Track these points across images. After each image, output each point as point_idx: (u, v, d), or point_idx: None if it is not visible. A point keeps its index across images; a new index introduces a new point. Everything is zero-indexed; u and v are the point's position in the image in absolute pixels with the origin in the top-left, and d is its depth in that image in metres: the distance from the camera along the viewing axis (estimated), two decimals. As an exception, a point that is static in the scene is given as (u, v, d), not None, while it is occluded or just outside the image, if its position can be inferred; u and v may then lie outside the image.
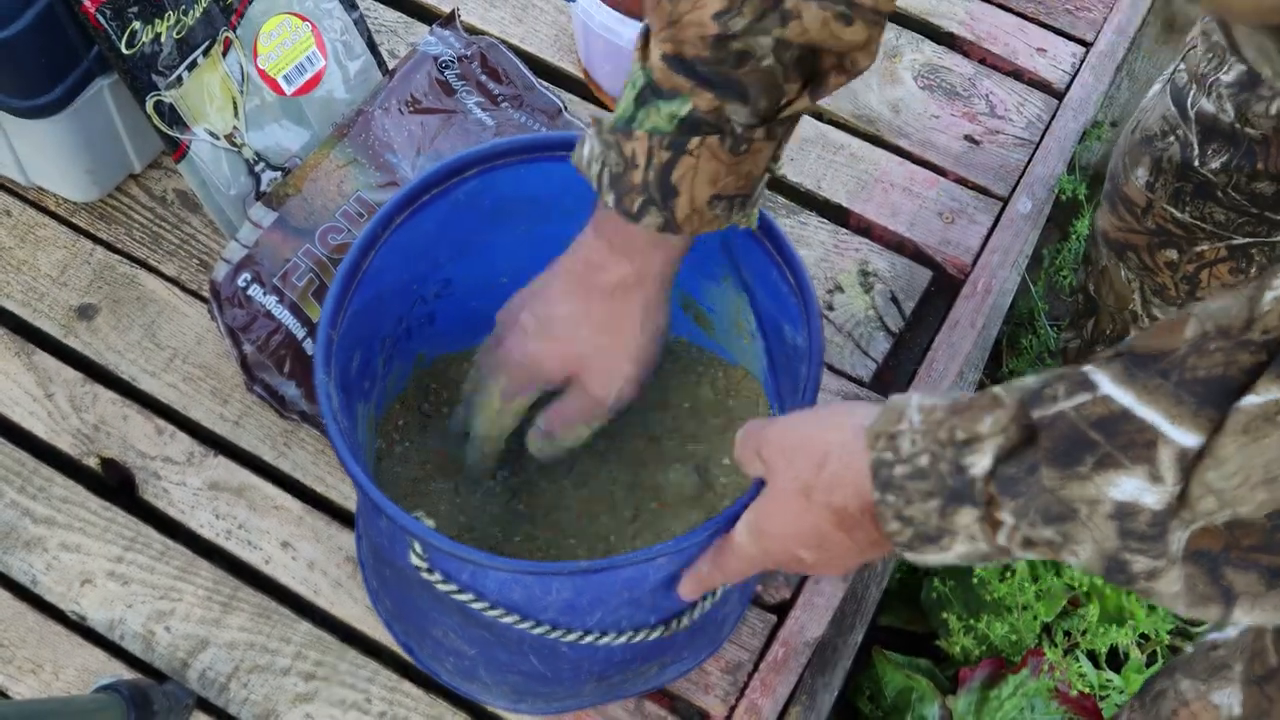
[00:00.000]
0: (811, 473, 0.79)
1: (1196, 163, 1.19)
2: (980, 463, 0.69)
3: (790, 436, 0.84)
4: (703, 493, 1.14)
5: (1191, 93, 1.19)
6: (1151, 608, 1.44)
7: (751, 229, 1.04)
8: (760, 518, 0.86)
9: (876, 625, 1.51)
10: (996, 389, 0.70)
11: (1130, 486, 0.63)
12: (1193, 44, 1.19)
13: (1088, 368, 0.66)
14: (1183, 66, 1.21)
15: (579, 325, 0.99)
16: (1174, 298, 1.28)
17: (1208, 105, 1.17)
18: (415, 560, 0.95)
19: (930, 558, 0.73)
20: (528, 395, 1.05)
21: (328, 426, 0.94)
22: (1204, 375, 0.61)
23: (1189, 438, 0.61)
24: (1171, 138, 1.20)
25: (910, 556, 0.74)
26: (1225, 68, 1.16)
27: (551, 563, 1.00)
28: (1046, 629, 1.47)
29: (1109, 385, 0.64)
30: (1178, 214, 1.21)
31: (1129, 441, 0.63)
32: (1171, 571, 0.64)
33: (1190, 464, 0.61)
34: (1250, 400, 0.59)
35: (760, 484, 0.88)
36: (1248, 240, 1.20)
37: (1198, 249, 1.22)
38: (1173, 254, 1.24)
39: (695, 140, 0.85)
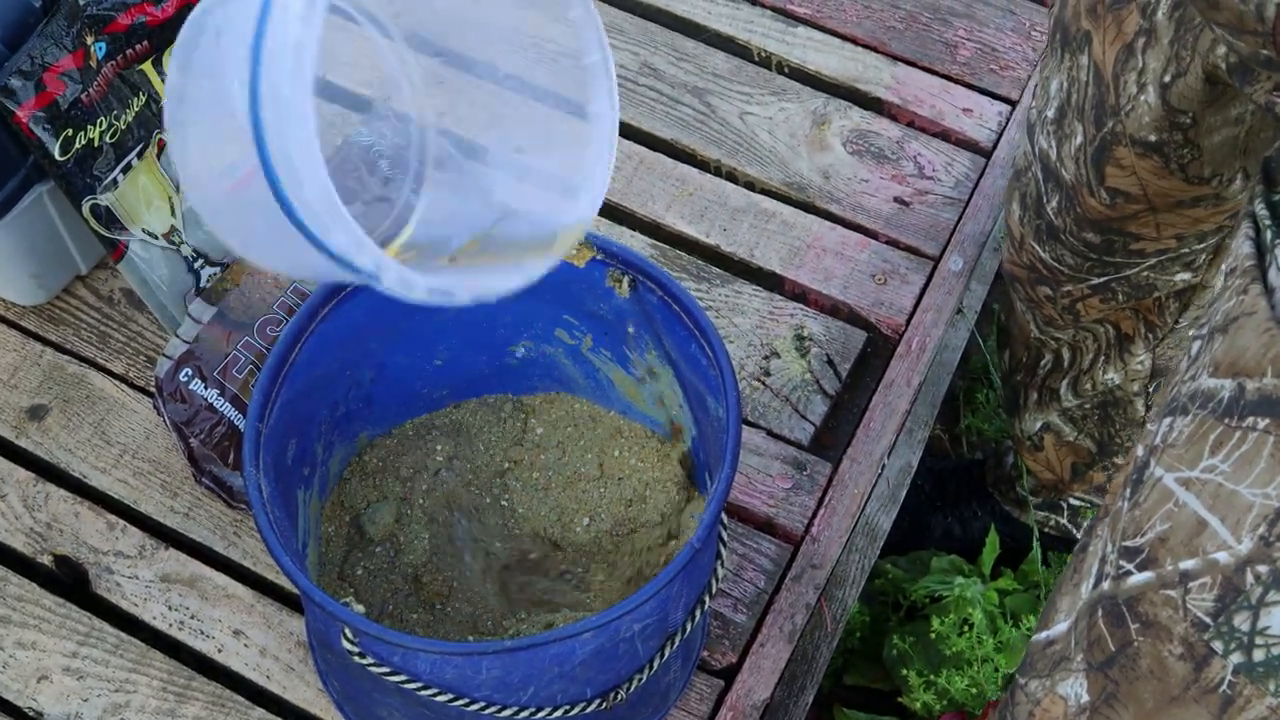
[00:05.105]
0: None
1: (1044, 201, 1.16)
2: None
3: None
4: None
5: (1037, 127, 1.14)
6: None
7: (669, 304, 1.07)
8: None
9: (843, 685, 1.52)
10: None
11: None
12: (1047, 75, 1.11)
13: None
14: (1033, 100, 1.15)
15: None
16: (1063, 325, 1.27)
17: (1043, 140, 1.13)
18: (347, 645, 0.97)
19: None
20: None
21: (256, 517, 0.96)
22: None
23: None
24: (1028, 175, 1.17)
25: None
26: (1048, 101, 1.10)
27: (476, 642, 1.02)
28: (1008, 680, 1.48)
29: None
30: (1041, 253, 1.19)
31: None
32: None
33: None
34: None
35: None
36: (1104, 279, 1.17)
37: (1064, 289, 1.21)
38: (1047, 290, 1.22)
39: None
